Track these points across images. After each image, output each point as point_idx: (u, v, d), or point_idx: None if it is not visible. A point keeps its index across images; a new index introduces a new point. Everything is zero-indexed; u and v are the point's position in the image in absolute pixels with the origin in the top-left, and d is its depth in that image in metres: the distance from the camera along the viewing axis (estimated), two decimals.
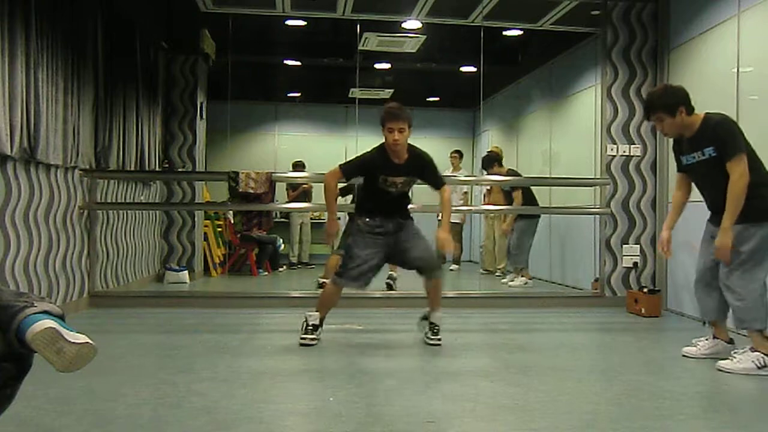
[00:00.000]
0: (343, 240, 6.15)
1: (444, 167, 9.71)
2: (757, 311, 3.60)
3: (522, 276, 7.56)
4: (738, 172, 3.55)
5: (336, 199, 4.40)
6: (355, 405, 2.90)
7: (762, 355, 3.56)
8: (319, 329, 4.22)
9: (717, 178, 3.67)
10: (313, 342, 4.14)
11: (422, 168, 4.30)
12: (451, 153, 9.71)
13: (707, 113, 3.74)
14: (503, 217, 8.23)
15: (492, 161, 7.71)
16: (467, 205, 9.51)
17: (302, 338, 4.15)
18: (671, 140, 5.87)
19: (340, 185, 5.29)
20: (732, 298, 3.66)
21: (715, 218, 3.79)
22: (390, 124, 4.08)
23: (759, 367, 3.53)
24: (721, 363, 3.60)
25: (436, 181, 4.39)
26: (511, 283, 7.57)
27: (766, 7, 4.61)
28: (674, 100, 3.72)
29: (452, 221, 9.36)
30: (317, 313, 4.23)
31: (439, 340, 4.24)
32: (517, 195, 7.39)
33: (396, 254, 4.33)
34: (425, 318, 4.39)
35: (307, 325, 4.20)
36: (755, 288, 3.61)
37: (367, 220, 4.23)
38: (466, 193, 9.46)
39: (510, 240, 7.77)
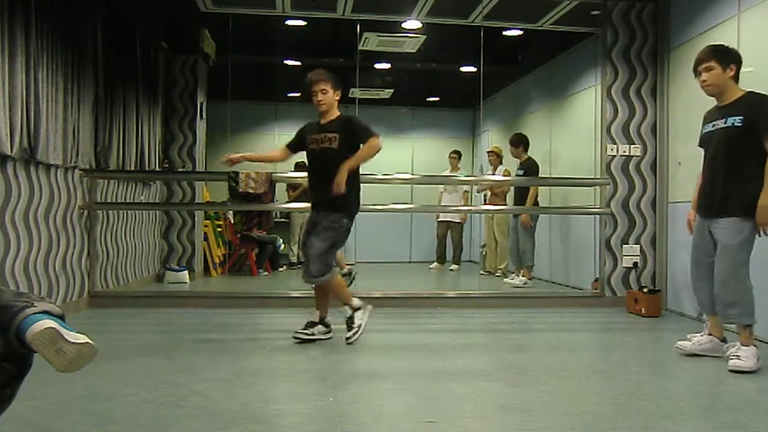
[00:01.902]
0: None
1: (443, 167, 9.75)
2: (747, 306, 3.65)
3: (523, 275, 7.55)
4: None
5: (266, 156, 4.82)
6: (355, 405, 2.90)
7: (755, 347, 3.62)
8: (317, 326, 4.30)
9: (727, 152, 3.70)
10: (306, 337, 4.22)
11: (348, 126, 4.32)
12: (450, 153, 9.71)
13: (752, 90, 3.77)
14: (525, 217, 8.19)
15: (520, 142, 7.66)
16: (467, 205, 9.52)
17: (296, 332, 4.24)
18: (671, 139, 5.90)
19: None
20: (725, 292, 3.68)
21: (708, 208, 3.81)
22: (312, 87, 4.27)
23: (757, 359, 3.58)
24: (733, 363, 3.57)
25: (364, 134, 4.27)
26: (511, 282, 7.56)
27: (766, 7, 4.61)
28: (731, 55, 3.80)
29: (453, 221, 9.50)
30: (317, 311, 4.32)
31: (355, 333, 4.21)
32: (533, 192, 7.39)
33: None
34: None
35: (308, 321, 4.28)
36: (745, 282, 3.66)
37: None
38: (466, 192, 9.45)
39: (515, 238, 7.74)
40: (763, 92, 3.97)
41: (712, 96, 3.89)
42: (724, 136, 3.75)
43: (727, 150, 3.73)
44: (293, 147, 4.55)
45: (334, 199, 4.18)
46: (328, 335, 4.33)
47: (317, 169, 4.35)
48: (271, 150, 4.73)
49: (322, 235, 4.20)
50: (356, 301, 4.32)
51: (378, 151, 4.27)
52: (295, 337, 4.20)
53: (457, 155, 9.64)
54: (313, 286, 4.34)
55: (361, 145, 4.25)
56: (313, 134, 4.36)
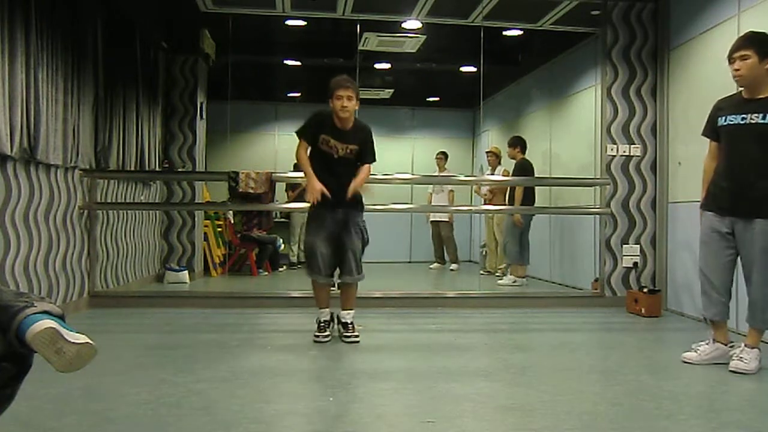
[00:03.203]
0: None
1: (432, 168, 9.77)
2: None
3: (511, 273, 7.55)
4: None
5: (309, 165, 4.38)
6: (355, 405, 2.90)
7: (758, 349, 3.59)
8: (331, 324, 4.36)
9: (759, 151, 3.51)
10: (326, 339, 4.24)
11: (364, 137, 4.38)
12: (437, 154, 9.73)
13: None
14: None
15: (517, 143, 7.73)
16: (453, 204, 9.54)
17: (315, 335, 4.26)
18: (671, 139, 5.90)
19: None
20: (761, 293, 3.56)
21: (737, 207, 3.61)
22: (339, 92, 4.25)
23: (759, 362, 3.56)
24: (735, 364, 3.53)
25: (371, 156, 4.45)
26: (500, 282, 7.58)
27: (766, 7, 4.61)
28: None
29: (441, 220, 9.54)
30: (325, 310, 4.36)
31: (357, 337, 4.29)
32: (519, 192, 7.43)
33: (337, 243, 4.37)
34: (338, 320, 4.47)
35: (319, 323, 4.32)
36: None
37: (319, 208, 4.33)
38: (451, 191, 9.49)
39: (506, 235, 7.77)
40: None
41: (743, 87, 3.64)
42: (758, 133, 3.52)
43: (759, 147, 3.52)
44: (311, 141, 4.38)
45: (358, 200, 4.40)
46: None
47: (337, 171, 4.33)
48: (305, 158, 4.37)
49: (359, 236, 4.38)
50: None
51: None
52: (316, 341, 4.23)
53: (443, 156, 9.67)
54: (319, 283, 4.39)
55: (362, 166, 4.41)
56: (334, 139, 4.31)
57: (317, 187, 4.23)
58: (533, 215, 7.68)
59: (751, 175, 3.57)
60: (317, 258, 4.29)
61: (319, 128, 4.35)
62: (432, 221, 9.83)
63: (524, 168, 7.59)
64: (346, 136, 4.33)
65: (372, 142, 4.46)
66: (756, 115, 3.55)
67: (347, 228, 4.33)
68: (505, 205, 8.31)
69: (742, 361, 3.53)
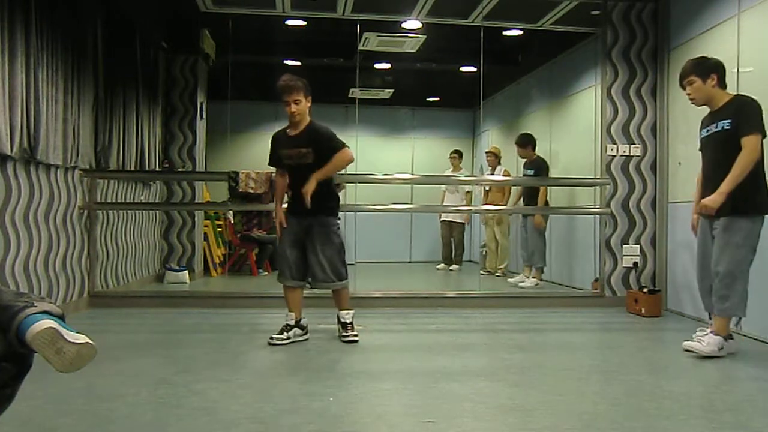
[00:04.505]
0: None
1: (443, 167, 9.75)
2: (741, 301, 3.81)
3: (533, 277, 7.50)
4: (750, 148, 3.72)
5: (282, 193, 4.47)
6: (355, 405, 2.90)
7: (722, 338, 3.82)
8: (293, 329, 4.27)
9: (721, 156, 3.85)
10: (280, 342, 4.16)
11: (317, 138, 4.21)
12: (451, 153, 9.70)
13: (739, 93, 3.94)
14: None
15: (528, 142, 7.66)
16: (469, 206, 9.51)
17: (271, 337, 4.19)
18: (671, 139, 5.91)
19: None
20: (722, 287, 3.82)
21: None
22: (284, 98, 4.16)
23: (719, 350, 3.80)
24: (689, 344, 3.82)
25: (333, 147, 4.22)
26: (521, 284, 7.49)
27: (766, 7, 4.61)
28: (709, 65, 3.98)
29: (455, 221, 9.47)
30: (290, 313, 4.31)
31: (356, 336, 4.29)
32: (543, 193, 7.37)
33: (304, 248, 4.34)
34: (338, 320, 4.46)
35: (283, 324, 4.27)
36: (742, 278, 3.81)
37: (288, 214, 4.35)
38: (468, 192, 9.44)
39: (524, 237, 7.72)
40: (762, 93, 4.02)
41: (700, 106, 4.06)
42: (716, 141, 3.92)
43: (720, 153, 3.88)
44: (278, 163, 4.41)
45: (324, 205, 4.28)
46: (305, 337, 4.34)
47: (299, 182, 4.24)
48: (279, 185, 4.48)
49: (330, 240, 4.27)
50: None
51: (349, 163, 4.30)
52: (270, 343, 4.16)
53: (457, 155, 9.62)
54: (292, 288, 4.35)
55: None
56: (287, 149, 4.27)
57: (278, 219, 4.37)
58: (548, 217, 7.65)
59: (715, 180, 3.89)
60: (284, 263, 4.32)
61: (277, 148, 4.35)
62: (444, 221, 9.69)
63: (546, 168, 7.50)
64: (296, 140, 4.23)
65: (325, 138, 4.22)
66: (712, 125, 3.96)
67: (311, 233, 4.27)
68: (503, 205, 8.31)
69: (700, 342, 3.80)
